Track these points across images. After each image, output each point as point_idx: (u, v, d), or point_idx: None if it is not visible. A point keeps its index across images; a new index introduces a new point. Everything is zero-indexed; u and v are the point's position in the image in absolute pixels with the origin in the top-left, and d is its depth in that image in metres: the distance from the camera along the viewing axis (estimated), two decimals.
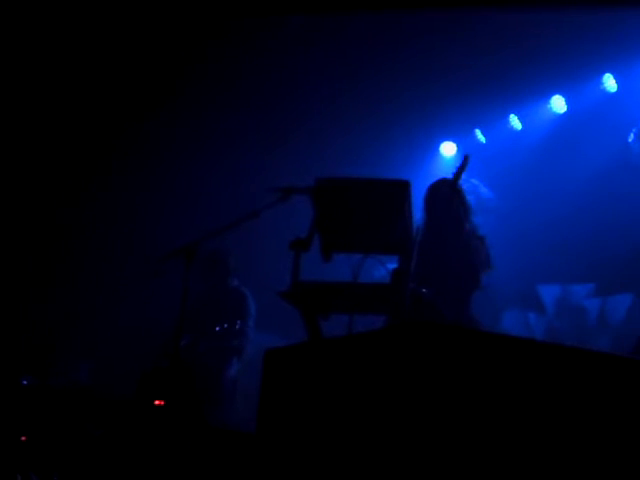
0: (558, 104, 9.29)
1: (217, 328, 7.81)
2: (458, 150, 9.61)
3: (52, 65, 8.37)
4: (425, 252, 5.57)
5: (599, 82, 8.99)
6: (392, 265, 5.49)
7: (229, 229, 6.24)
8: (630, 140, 8.94)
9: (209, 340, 7.86)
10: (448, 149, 9.65)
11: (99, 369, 8.16)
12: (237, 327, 7.90)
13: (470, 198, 7.99)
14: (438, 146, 9.65)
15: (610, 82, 8.97)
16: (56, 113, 8.68)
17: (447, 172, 9.17)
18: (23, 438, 6.52)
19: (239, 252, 8.40)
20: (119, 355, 8.25)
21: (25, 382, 7.25)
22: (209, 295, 8.19)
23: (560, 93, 9.25)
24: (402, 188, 5.36)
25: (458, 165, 5.95)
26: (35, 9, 7.82)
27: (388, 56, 8.67)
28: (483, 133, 9.56)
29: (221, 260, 8.23)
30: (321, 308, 5.45)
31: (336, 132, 8.99)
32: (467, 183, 8.45)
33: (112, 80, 8.73)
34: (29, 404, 7.08)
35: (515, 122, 9.48)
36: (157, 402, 5.44)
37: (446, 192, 6.38)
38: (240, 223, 6.15)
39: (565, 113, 9.27)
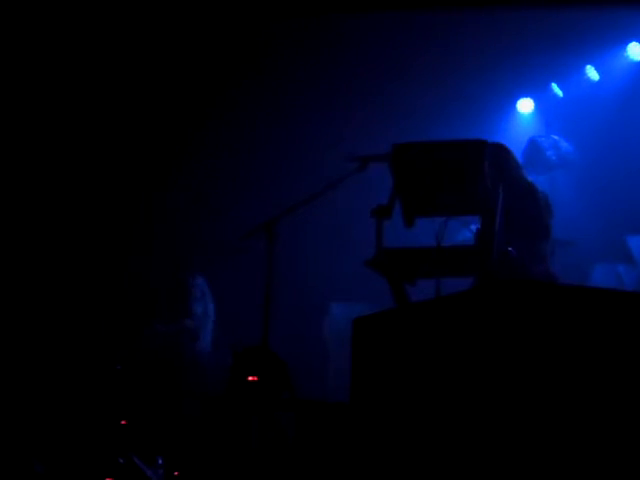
0: (635, 51, 9.07)
1: None
2: (535, 106, 9.46)
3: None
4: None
5: None
6: (476, 226, 5.44)
7: (308, 203, 6.25)
8: None
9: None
10: (525, 105, 9.50)
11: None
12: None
13: (551, 153, 7.88)
14: (515, 103, 9.51)
15: None
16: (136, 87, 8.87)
17: (524, 129, 9.12)
18: (123, 422, 6.64)
19: (321, 225, 8.41)
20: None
21: (119, 367, 7.38)
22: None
23: (636, 40, 9.03)
24: (480, 148, 5.32)
25: None
26: None
27: (461, 15, 8.56)
28: (560, 87, 9.39)
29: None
30: (407, 274, 5.44)
31: (411, 96, 8.91)
32: (547, 139, 8.33)
33: (194, 52, 8.85)
34: (125, 388, 7.20)
35: (592, 73, 9.29)
36: (250, 378, 5.49)
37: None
38: (319, 196, 6.15)
39: None
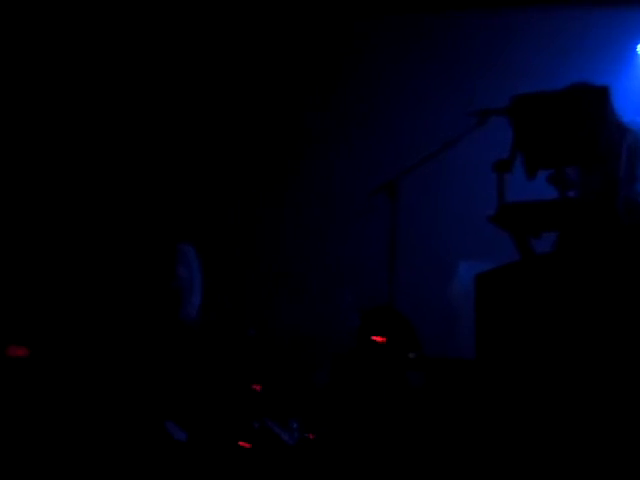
0: None
1: None
2: None
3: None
4: None
5: None
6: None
7: (430, 160, 6.22)
8: None
9: None
10: None
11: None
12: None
13: None
14: (635, 46, 9.24)
15: None
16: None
17: None
18: (257, 387, 6.76)
19: (443, 182, 8.36)
20: (329, 296, 8.40)
21: (252, 332, 7.50)
22: None
23: None
24: (601, 94, 5.19)
25: None
26: None
27: None
28: None
29: None
30: (531, 228, 5.36)
31: (528, 50, 8.77)
32: None
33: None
34: (258, 354, 7.33)
35: None
36: (377, 339, 5.51)
37: None
38: (440, 153, 6.12)
39: None
